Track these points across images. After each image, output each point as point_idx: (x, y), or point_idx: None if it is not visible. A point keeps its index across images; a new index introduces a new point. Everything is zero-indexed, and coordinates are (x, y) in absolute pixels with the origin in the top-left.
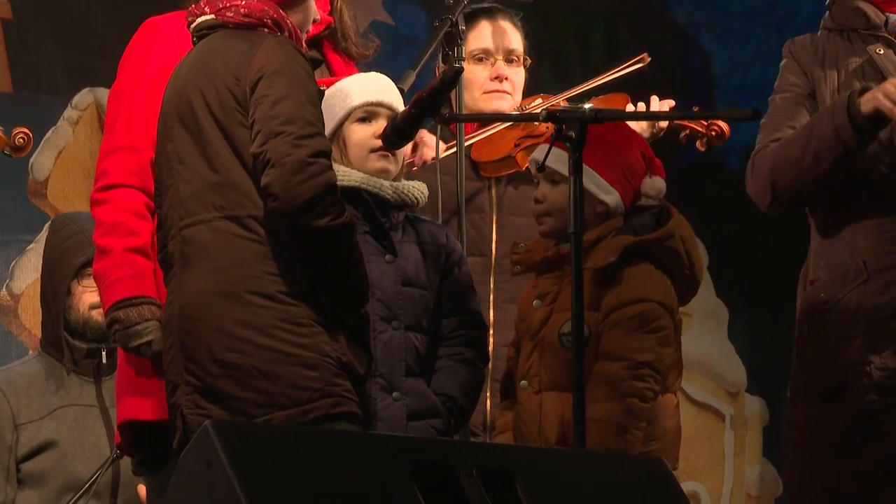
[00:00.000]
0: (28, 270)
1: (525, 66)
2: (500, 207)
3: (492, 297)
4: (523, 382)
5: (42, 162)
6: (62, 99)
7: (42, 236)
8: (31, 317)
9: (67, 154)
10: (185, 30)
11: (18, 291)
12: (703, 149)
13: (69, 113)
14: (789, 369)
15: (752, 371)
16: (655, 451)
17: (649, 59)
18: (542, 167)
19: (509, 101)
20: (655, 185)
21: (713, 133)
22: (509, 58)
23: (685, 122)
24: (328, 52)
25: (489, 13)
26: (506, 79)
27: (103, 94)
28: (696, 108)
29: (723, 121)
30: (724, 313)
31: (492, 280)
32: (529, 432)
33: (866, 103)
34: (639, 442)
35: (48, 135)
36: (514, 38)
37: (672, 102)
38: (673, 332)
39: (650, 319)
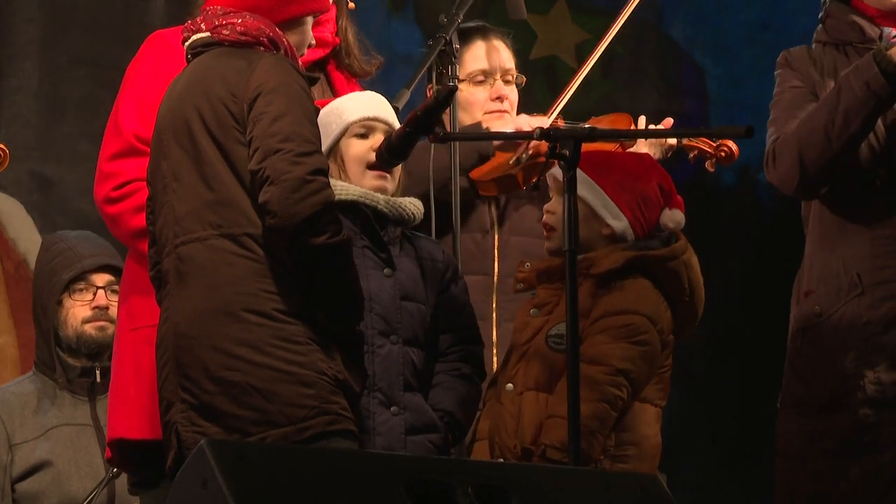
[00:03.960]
0: None
1: (518, 85)
2: (502, 226)
3: (494, 315)
4: (509, 385)
5: None
6: None
7: None
8: None
9: None
10: None
11: None
12: (711, 169)
13: None
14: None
15: None
16: (631, 456)
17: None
18: (535, 186)
19: (509, 120)
20: (675, 217)
21: (723, 154)
22: (506, 77)
23: (693, 143)
24: (332, 70)
25: (482, 32)
26: (506, 98)
27: None
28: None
29: (716, 138)
30: None
31: (494, 299)
32: (508, 432)
33: None
34: (599, 448)
35: None
36: (508, 58)
37: (670, 121)
38: (658, 350)
39: (637, 332)
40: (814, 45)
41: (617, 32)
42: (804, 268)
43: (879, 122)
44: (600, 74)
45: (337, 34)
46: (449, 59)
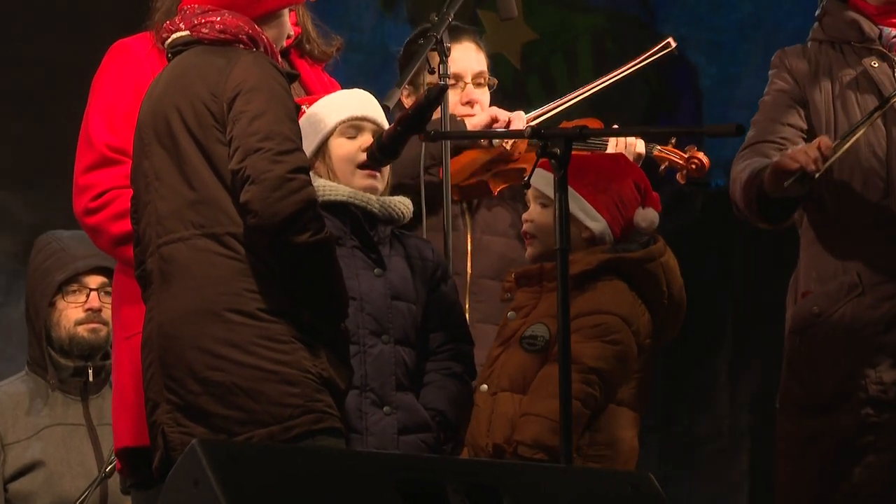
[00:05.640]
0: None
1: (490, 87)
2: (475, 227)
3: (467, 316)
4: (483, 386)
5: None
6: None
7: None
8: None
9: None
10: (153, 50)
11: None
12: (682, 181)
13: None
14: None
15: None
16: (604, 457)
17: (675, 45)
18: (526, 184)
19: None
20: (648, 216)
21: (693, 166)
22: (477, 80)
23: (664, 154)
24: (294, 59)
25: (454, 35)
26: (476, 102)
27: None
28: (673, 141)
29: (707, 136)
30: None
31: (467, 299)
32: (479, 432)
33: (767, 177)
34: (571, 445)
35: None
36: (480, 60)
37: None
38: (632, 350)
39: (609, 331)
40: (809, 44)
41: (612, 29)
42: (800, 268)
43: (879, 120)
44: (592, 73)
45: (297, 23)
46: (440, 57)
